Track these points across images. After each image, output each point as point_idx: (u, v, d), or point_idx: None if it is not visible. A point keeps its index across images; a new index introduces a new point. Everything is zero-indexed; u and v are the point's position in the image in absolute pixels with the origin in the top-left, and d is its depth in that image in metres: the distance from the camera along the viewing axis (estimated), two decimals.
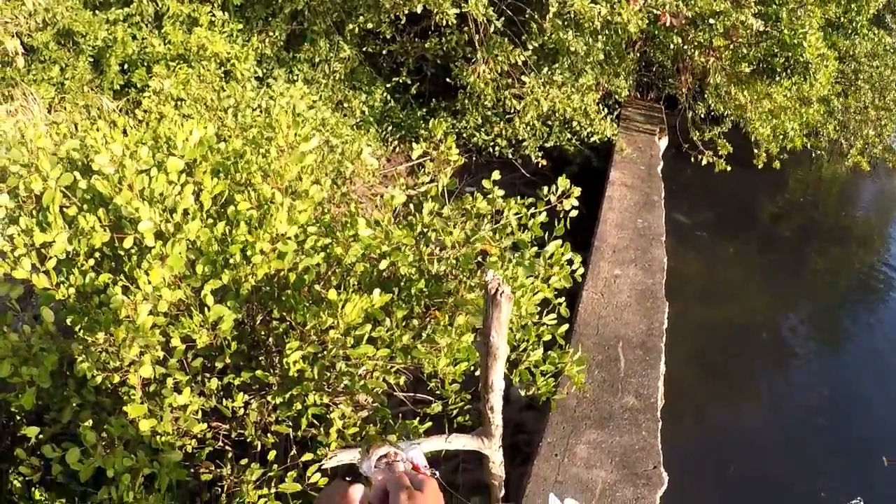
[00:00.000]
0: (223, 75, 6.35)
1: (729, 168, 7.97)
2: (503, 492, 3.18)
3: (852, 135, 9.72)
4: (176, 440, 2.65)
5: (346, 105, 7.37)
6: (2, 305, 2.70)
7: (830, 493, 5.05)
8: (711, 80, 7.85)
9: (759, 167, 8.61)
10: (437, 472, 1.28)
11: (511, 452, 4.01)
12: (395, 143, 7.67)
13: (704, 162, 8.10)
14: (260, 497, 2.69)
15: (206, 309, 2.62)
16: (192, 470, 2.80)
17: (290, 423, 2.87)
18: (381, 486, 1.11)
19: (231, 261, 2.81)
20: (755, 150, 8.51)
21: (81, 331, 2.54)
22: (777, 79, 7.43)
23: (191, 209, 2.81)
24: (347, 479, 1.19)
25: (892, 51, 9.24)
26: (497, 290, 2.02)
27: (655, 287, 5.13)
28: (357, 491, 1.09)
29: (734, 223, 9.56)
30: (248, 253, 2.79)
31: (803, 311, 8.01)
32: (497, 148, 7.51)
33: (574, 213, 3.39)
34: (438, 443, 2.62)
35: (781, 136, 8.30)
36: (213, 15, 6.60)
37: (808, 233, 10.32)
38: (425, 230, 3.29)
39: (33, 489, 2.63)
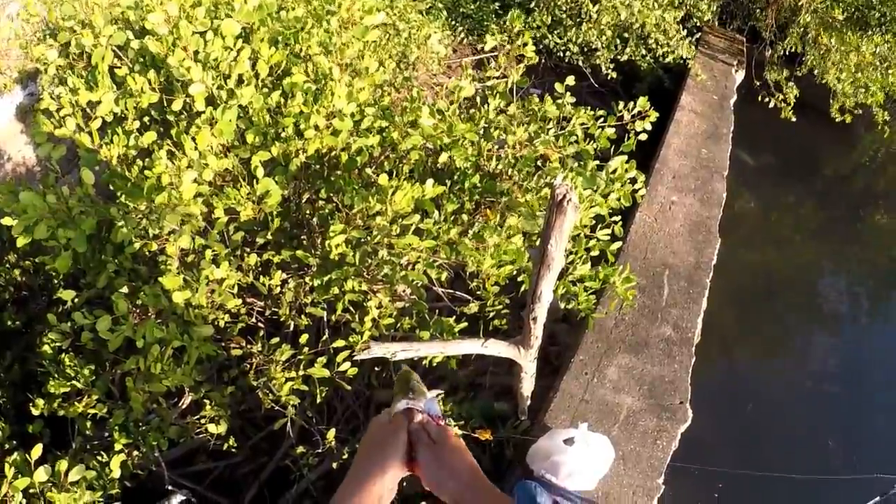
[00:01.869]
0: None
1: (794, 118, 7.59)
2: (529, 402, 3.16)
3: None
4: (209, 313, 2.63)
5: None
6: (45, 167, 2.64)
7: (837, 449, 5.06)
8: (801, 19, 7.40)
9: (831, 122, 8.20)
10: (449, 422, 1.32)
11: (540, 363, 3.99)
12: (463, 34, 7.38)
13: (773, 105, 7.71)
14: (287, 379, 2.68)
15: (254, 181, 2.55)
16: (222, 344, 2.80)
17: (326, 308, 2.84)
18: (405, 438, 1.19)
19: (283, 133, 2.71)
20: (830, 102, 8.09)
21: (122, 196, 2.47)
22: (869, 32, 6.99)
23: (246, 76, 2.70)
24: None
25: None
26: (564, 196, 1.89)
27: (710, 221, 4.96)
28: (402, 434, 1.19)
29: (797, 172, 9.23)
30: (302, 127, 2.69)
31: (849, 274, 7.81)
32: (568, 53, 7.20)
33: (643, 135, 3.25)
34: (474, 346, 2.57)
35: (863, 90, 7.84)
36: None
37: (869, 197, 9.96)
38: (488, 126, 3.16)
39: (63, 355, 2.63)
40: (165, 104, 2.67)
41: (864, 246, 8.65)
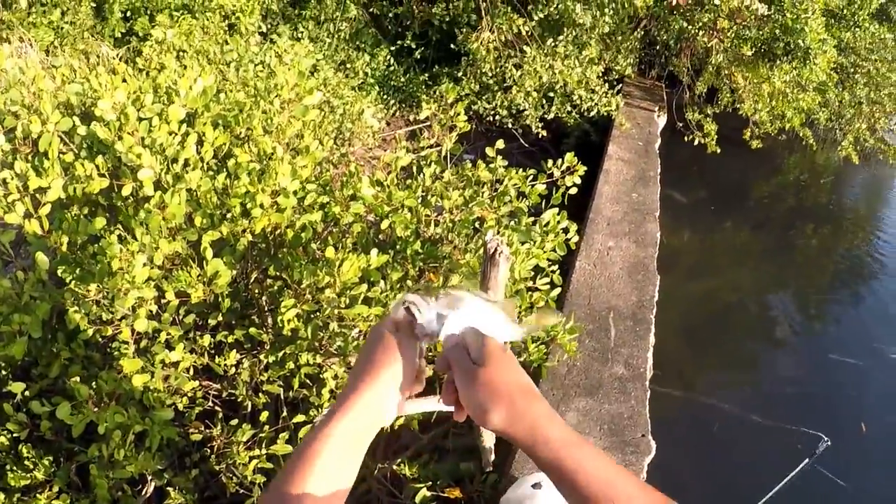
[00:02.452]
0: (227, 28, 6.29)
1: (718, 150, 8.04)
2: (493, 456, 3.23)
3: (847, 124, 9.80)
4: (167, 398, 2.64)
5: (348, 66, 7.32)
6: None
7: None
8: (713, 60, 7.87)
9: (754, 150, 8.68)
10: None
11: None
12: (396, 106, 7.64)
13: (696, 142, 8.14)
14: (251, 458, 2.70)
15: (203, 263, 2.62)
16: (181, 429, 2.81)
17: (282, 384, 2.89)
18: (444, 358, 1.02)
19: (230, 214, 2.81)
20: (749, 131, 8.57)
21: (73, 282, 2.50)
22: (777, 63, 7.47)
23: (192, 159, 2.80)
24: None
25: (891, 45, 9.27)
26: (496, 249, 2.04)
27: (647, 260, 5.18)
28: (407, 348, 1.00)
29: (728, 202, 9.63)
30: (248, 206, 2.79)
31: (791, 291, 8.12)
32: (497, 117, 7.50)
33: (574, 189, 3.43)
34: (430, 403, 2.64)
35: (779, 117, 8.34)
36: None
37: (799, 215, 10.42)
38: (425, 193, 3.31)
39: (20, 446, 2.56)
40: (115, 190, 2.74)
41: (800, 261, 9.02)
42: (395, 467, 3.20)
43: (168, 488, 2.77)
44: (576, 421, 3.58)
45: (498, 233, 3.12)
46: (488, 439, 3.05)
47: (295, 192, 2.92)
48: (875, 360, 7.02)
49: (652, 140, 7.84)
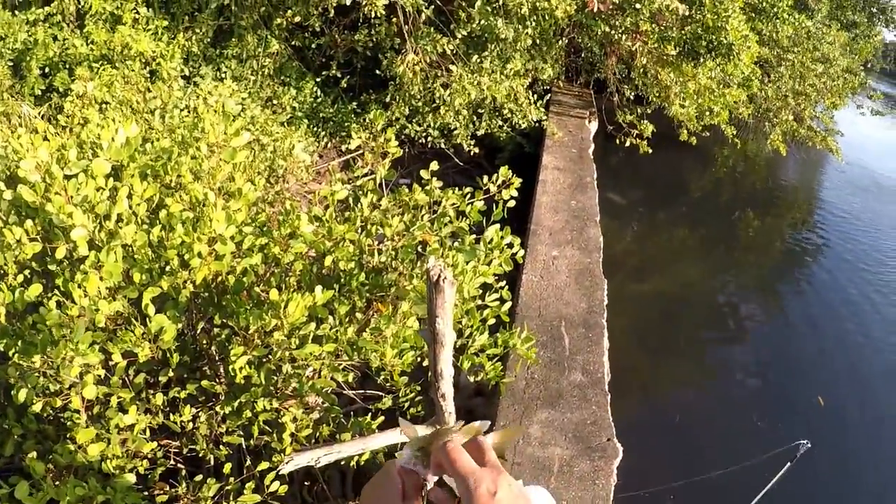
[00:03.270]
0: (149, 75, 6.18)
1: (650, 150, 8.22)
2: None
3: (774, 117, 10.12)
4: (126, 463, 2.55)
5: (275, 101, 7.27)
6: None
7: (771, 436, 5.36)
8: (638, 63, 8.04)
9: (686, 147, 8.89)
10: None
11: None
12: (327, 138, 7.60)
13: (629, 144, 8.31)
14: None
15: (146, 320, 2.54)
16: (144, 493, 2.72)
17: (242, 433, 2.82)
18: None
19: (168, 267, 2.74)
20: (684, 130, 8.77)
21: (16, 354, 2.40)
22: (701, 60, 7.66)
23: (124, 214, 2.72)
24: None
25: (812, 36, 9.63)
26: (439, 275, 2.00)
27: (593, 266, 5.23)
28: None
29: (666, 200, 9.86)
30: (186, 257, 2.72)
31: (737, 279, 8.33)
32: (430, 138, 7.52)
33: (511, 202, 3.44)
34: (393, 436, 2.61)
35: (707, 113, 8.56)
36: (137, 12, 6.42)
37: (736, 205, 10.73)
38: (364, 223, 3.28)
39: None
40: (49, 254, 2.65)
41: (743, 250, 9.28)
42: None
43: None
44: (540, 433, 3.58)
45: (442, 255, 3.11)
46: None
47: (232, 238, 2.86)
48: (826, 337, 7.24)
49: (585, 146, 7.96)
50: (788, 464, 3.83)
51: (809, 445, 3.87)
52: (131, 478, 2.47)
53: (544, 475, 3.37)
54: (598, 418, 3.73)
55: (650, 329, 6.59)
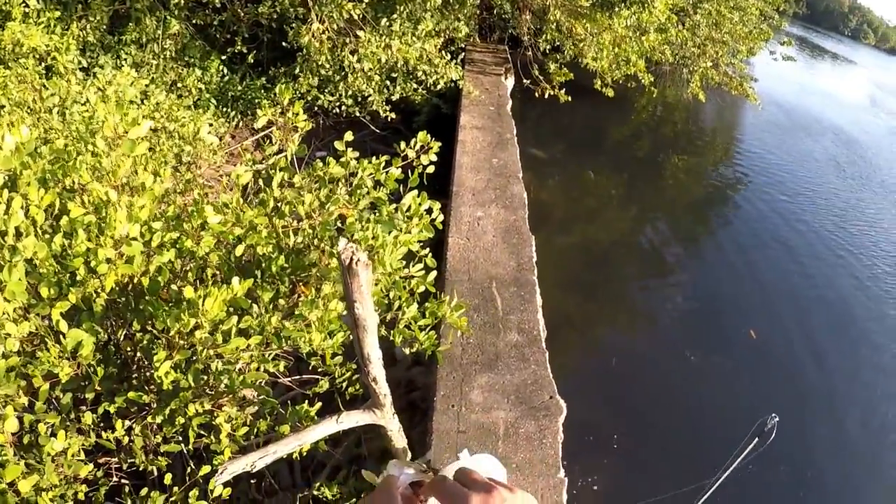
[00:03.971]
0: (44, 72, 5.81)
1: (570, 99, 8.21)
2: (409, 456, 3.15)
3: (692, 63, 10.28)
4: (66, 490, 2.42)
5: (180, 85, 6.95)
6: None
7: (702, 367, 5.50)
8: (551, 16, 7.99)
9: (607, 98, 8.94)
10: None
11: (409, 412, 4.00)
12: (238, 117, 7.33)
13: (547, 95, 8.29)
14: None
15: (61, 337, 2.38)
16: None
17: (180, 439, 2.71)
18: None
19: (77, 276, 2.57)
20: (598, 80, 8.81)
21: None
22: (616, 10, 7.66)
23: (23, 227, 2.54)
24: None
25: None
26: (351, 258, 1.90)
27: (519, 223, 5.20)
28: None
29: (588, 151, 9.95)
30: (93, 264, 2.56)
31: (663, 221, 8.49)
32: (343, 107, 7.34)
33: (431, 167, 3.35)
34: (329, 426, 2.53)
35: (624, 63, 8.61)
36: (26, 5, 5.98)
37: (657, 151, 10.95)
38: (278, 204, 3.15)
39: None
40: None
41: (666, 195, 9.46)
42: (315, 492, 3.07)
43: None
44: (482, 398, 3.56)
45: (361, 229, 3.01)
46: (399, 441, 2.97)
47: (140, 236, 2.70)
48: (753, 269, 7.47)
49: (503, 103, 7.90)
50: (756, 439, 3.89)
51: (777, 420, 3.95)
52: None
53: (490, 440, 3.35)
54: (539, 377, 3.72)
55: (581, 280, 6.65)
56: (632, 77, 9.16)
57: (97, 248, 2.55)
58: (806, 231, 8.72)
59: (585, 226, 7.83)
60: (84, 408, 2.61)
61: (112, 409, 2.64)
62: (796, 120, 13.79)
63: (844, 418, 5.63)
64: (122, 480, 2.85)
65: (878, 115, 16.78)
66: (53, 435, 2.36)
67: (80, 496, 2.50)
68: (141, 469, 2.75)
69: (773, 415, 3.93)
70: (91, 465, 2.54)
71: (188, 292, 2.49)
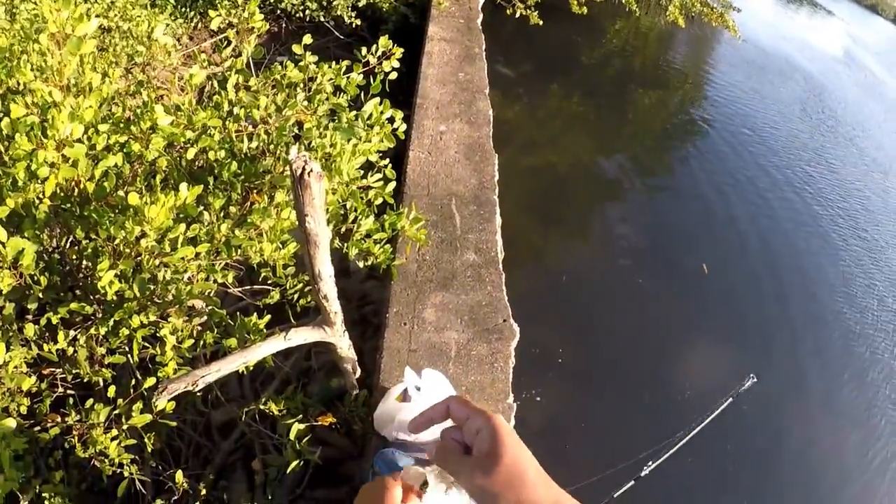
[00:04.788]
0: None
1: (541, 22, 8.00)
2: (358, 373, 3.13)
3: None
4: (7, 403, 2.34)
5: None
6: None
7: (660, 302, 5.57)
8: None
9: (578, 20, 8.75)
10: None
11: (361, 326, 3.97)
12: (196, 18, 6.98)
13: (518, 14, 8.06)
14: (113, 439, 2.45)
15: (1, 246, 2.26)
16: (37, 429, 2.52)
17: (126, 350, 2.63)
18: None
19: (18, 181, 2.42)
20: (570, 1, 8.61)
21: None
22: None
23: None
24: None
25: None
26: (303, 169, 1.79)
27: (483, 140, 5.10)
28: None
29: (557, 73, 9.77)
30: (33, 167, 2.41)
31: (626, 152, 8.48)
32: (307, 11, 7.04)
33: (394, 74, 3.23)
34: (277, 343, 2.48)
35: None
36: None
37: (627, 79, 10.81)
38: (232, 107, 3.01)
39: None
40: None
41: (632, 123, 9.41)
42: (262, 406, 3.04)
43: (43, 496, 2.50)
44: (435, 317, 3.54)
45: (319, 136, 2.90)
46: (347, 357, 2.94)
47: (88, 138, 2.55)
48: (711, 207, 7.53)
49: (473, 16, 7.65)
50: (731, 398, 3.93)
51: (756, 379, 3.99)
52: (11, 422, 2.27)
53: (442, 360, 3.34)
54: (494, 299, 3.70)
55: (540, 203, 6.63)
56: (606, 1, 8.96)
57: (37, 152, 2.41)
58: (766, 171, 8.79)
59: (548, 148, 7.75)
60: (28, 317, 2.52)
61: (55, 320, 2.55)
62: (771, 62, 13.71)
63: (790, 355, 5.81)
64: (68, 391, 2.78)
65: (849, 68, 16.82)
66: None
67: (23, 409, 2.43)
68: (86, 381, 2.67)
69: (752, 375, 4.00)
70: (34, 378, 2.47)
71: (132, 199, 2.37)
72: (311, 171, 1.77)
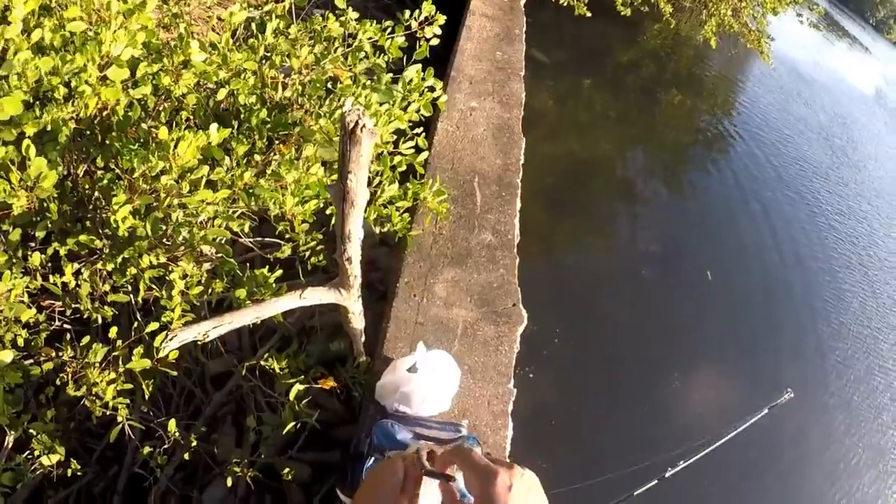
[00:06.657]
0: None
1: (589, 14, 7.89)
2: (364, 338, 3.07)
3: (713, 5, 9.93)
4: (4, 332, 2.26)
5: None
6: None
7: (666, 307, 5.53)
8: None
9: (618, 17, 8.65)
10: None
11: (365, 292, 3.89)
12: None
13: (565, 3, 7.93)
14: (109, 382, 2.37)
15: (25, 163, 2.16)
16: (30, 362, 2.44)
17: (130, 290, 2.55)
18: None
19: (53, 96, 2.32)
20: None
21: None
22: None
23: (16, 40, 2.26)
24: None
25: None
26: (357, 123, 1.71)
27: (513, 122, 5.00)
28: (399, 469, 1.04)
29: (591, 66, 9.68)
30: (73, 84, 2.32)
31: (651, 154, 8.42)
32: None
33: (435, 40, 3.14)
34: (292, 300, 2.41)
35: None
36: None
37: (660, 82, 10.71)
38: (268, 53, 2.93)
39: None
40: None
41: (659, 126, 9.33)
42: (262, 363, 2.98)
43: (31, 431, 2.43)
44: (445, 293, 3.48)
45: (354, 94, 2.82)
46: (357, 322, 2.88)
47: (129, 62, 2.45)
48: (724, 218, 7.49)
49: None
50: (766, 410, 3.90)
51: (792, 394, 3.94)
52: (8, 354, 2.20)
53: (447, 337, 3.28)
54: (506, 282, 3.64)
55: (561, 192, 6.56)
56: (651, 4, 8.87)
57: (87, 64, 2.31)
58: (783, 195, 8.79)
59: (572, 139, 7.66)
60: (33, 244, 2.44)
61: (62, 251, 2.47)
62: (801, 90, 13.63)
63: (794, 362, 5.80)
64: (65, 326, 2.70)
65: (880, 107, 16.72)
66: None
67: (20, 341, 2.36)
68: (85, 317, 2.59)
69: (789, 389, 3.96)
70: (33, 311, 2.39)
71: (162, 133, 2.29)
72: (364, 126, 1.69)
